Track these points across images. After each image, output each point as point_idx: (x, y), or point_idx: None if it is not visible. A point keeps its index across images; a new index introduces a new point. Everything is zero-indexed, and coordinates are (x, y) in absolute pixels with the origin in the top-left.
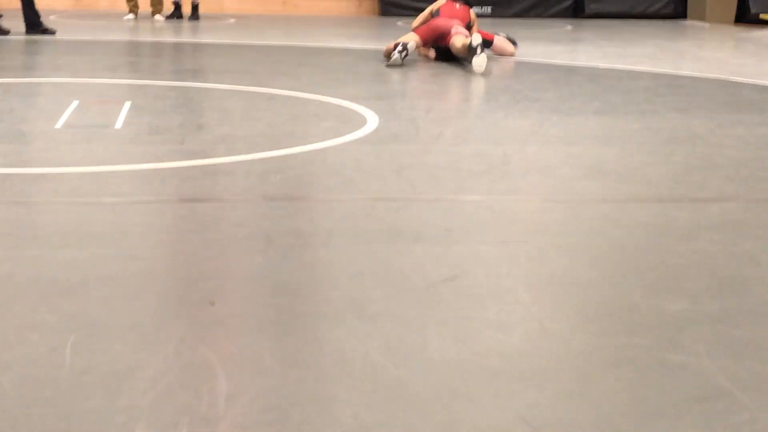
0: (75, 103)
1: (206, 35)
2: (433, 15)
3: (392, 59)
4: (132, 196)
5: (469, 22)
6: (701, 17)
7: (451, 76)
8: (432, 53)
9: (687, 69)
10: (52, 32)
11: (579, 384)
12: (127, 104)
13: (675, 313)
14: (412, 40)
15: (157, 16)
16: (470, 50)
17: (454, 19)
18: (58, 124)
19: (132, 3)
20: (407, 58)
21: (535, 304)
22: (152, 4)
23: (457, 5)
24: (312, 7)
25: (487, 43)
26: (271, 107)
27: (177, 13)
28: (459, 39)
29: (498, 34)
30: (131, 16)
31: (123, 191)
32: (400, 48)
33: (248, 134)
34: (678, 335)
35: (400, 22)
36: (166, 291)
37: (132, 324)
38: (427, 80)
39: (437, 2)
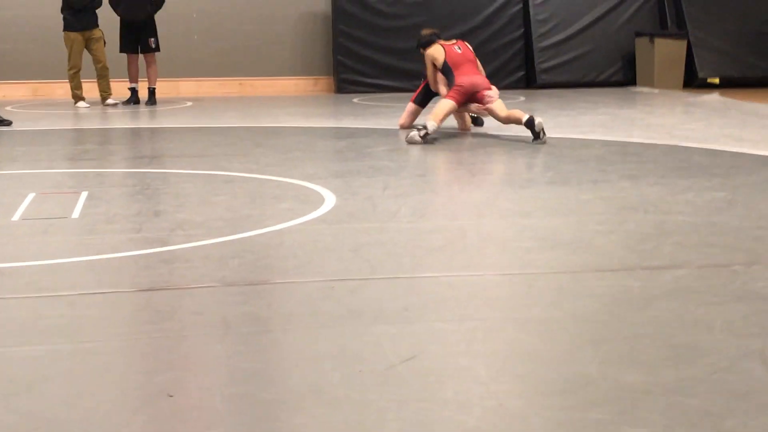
0: (31, 195)
1: (163, 119)
2: (444, 67)
3: (410, 137)
4: (88, 288)
5: (473, 57)
6: (650, 83)
7: (407, 152)
8: (469, 123)
9: (638, 136)
10: (8, 123)
11: None
12: (84, 194)
13: (631, 385)
14: (436, 120)
15: (109, 100)
16: (533, 131)
17: (468, 64)
18: (15, 217)
19: (79, 91)
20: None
21: (493, 382)
22: (101, 90)
23: (455, 47)
24: (269, 87)
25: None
26: (229, 190)
27: (134, 99)
28: (500, 108)
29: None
30: (82, 103)
31: (79, 283)
32: (421, 132)
33: (206, 219)
34: (635, 407)
35: (357, 99)
36: (124, 385)
37: (91, 420)
38: (383, 157)
39: (434, 51)
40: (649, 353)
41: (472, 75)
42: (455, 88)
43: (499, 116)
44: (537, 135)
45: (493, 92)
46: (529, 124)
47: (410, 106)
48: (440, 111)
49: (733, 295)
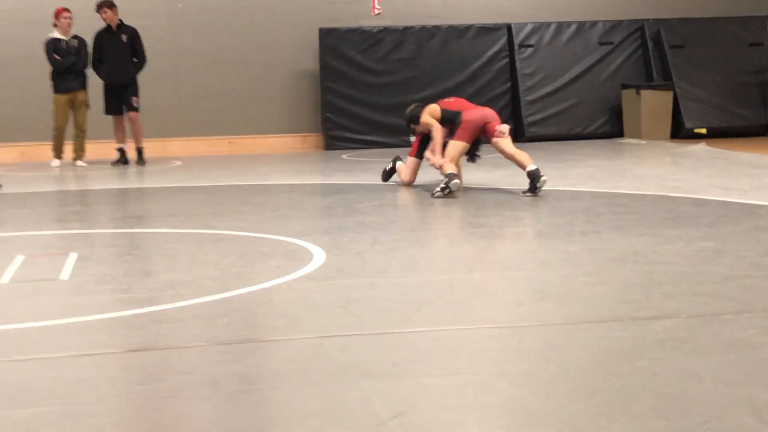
0: (20, 258)
1: (152, 179)
2: (444, 114)
3: (435, 194)
4: (77, 350)
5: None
6: (637, 135)
7: (394, 207)
8: (461, 172)
9: (626, 187)
10: None
11: None
12: (73, 255)
13: None
14: (452, 166)
15: (79, 162)
16: (533, 183)
17: (467, 105)
18: (4, 280)
19: (57, 151)
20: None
21: None
22: (74, 150)
23: (447, 99)
24: (257, 144)
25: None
26: (217, 249)
27: (123, 159)
28: (508, 144)
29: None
30: (56, 162)
31: (68, 345)
32: (444, 188)
33: (195, 278)
34: None
35: (345, 155)
36: None
37: None
38: (372, 212)
39: (427, 111)
40: (640, 404)
41: (479, 108)
42: (462, 126)
43: (505, 151)
44: (534, 189)
45: (504, 127)
46: (533, 175)
47: (410, 160)
48: (454, 154)
49: (722, 344)
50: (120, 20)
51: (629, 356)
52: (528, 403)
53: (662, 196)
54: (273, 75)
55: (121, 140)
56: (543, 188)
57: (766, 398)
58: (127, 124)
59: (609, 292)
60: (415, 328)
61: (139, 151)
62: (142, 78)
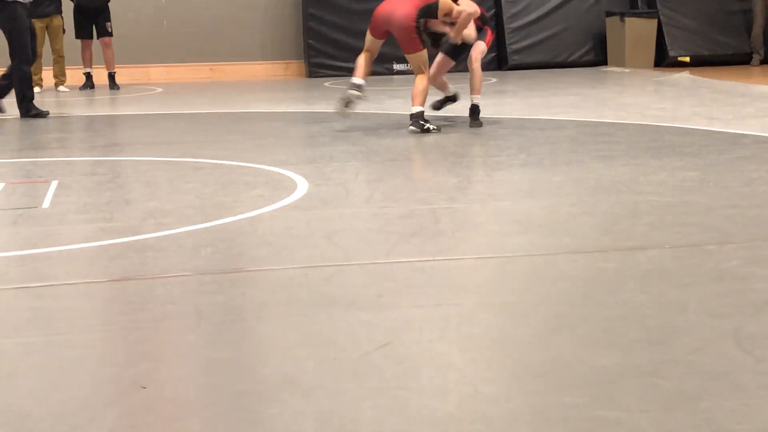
0: (1, 185)
1: (133, 106)
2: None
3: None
4: (58, 279)
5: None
6: (621, 63)
7: (379, 136)
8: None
9: (609, 116)
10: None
11: None
12: (54, 183)
13: (606, 368)
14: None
15: (61, 87)
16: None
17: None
18: None
19: (37, 76)
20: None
21: (468, 367)
22: (55, 75)
23: None
24: (239, 72)
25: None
26: (199, 178)
27: (89, 83)
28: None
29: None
30: (37, 89)
31: (49, 274)
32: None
33: (177, 207)
34: (610, 391)
35: (328, 83)
36: (95, 377)
37: (62, 414)
38: (356, 142)
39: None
40: (624, 336)
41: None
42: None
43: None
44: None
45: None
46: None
47: (440, 57)
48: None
49: (706, 275)
50: None
51: (613, 287)
52: (512, 335)
53: (646, 126)
54: (255, 1)
55: (89, 64)
56: (520, 116)
57: (750, 329)
58: (94, 50)
59: (593, 223)
60: (399, 259)
61: (111, 76)
62: (123, 2)
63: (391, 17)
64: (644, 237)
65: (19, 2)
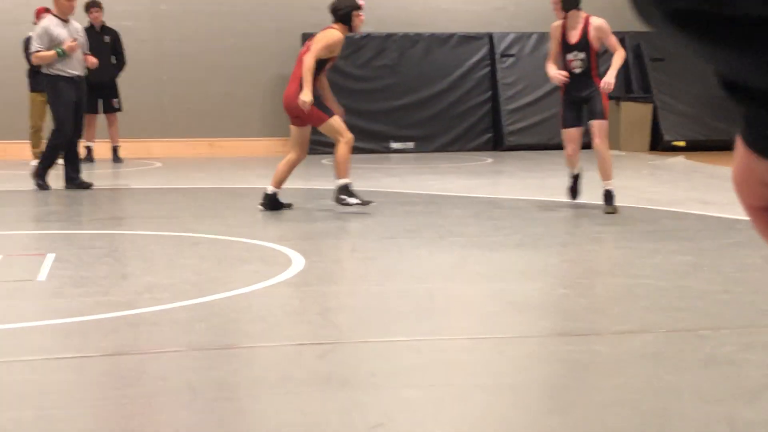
0: None
1: (132, 180)
2: None
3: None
4: (52, 353)
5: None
6: (616, 146)
7: (375, 213)
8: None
9: None
10: None
11: None
12: (51, 256)
13: None
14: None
15: (59, 161)
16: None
17: None
18: None
19: (37, 150)
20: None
21: None
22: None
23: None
24: (238, 147)
25: None
26: (196, 253)
27: (89, 157)
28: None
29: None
30: (34, 162)
31: (43, 348)
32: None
33: (173, 282)
34: None
35: (326, 160)
36: None
37: None
38: (351, 218)
39: None
40: (618, 421)
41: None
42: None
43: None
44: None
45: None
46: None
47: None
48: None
49: (701, 360)
50: (103, 21)
51: (608, 371)
52: (505, 416)
53: (641, 209)
54: (256, 79)
55: (91, 138)
56: (517, 196)
57: (744, 415)
58: (97, 123)
59: (588, 305)
60: (394, 338)
61: (115, 150)
62: (126, 78)
63: (287, 102)
64: (639, 320)
65: (62, 76)
